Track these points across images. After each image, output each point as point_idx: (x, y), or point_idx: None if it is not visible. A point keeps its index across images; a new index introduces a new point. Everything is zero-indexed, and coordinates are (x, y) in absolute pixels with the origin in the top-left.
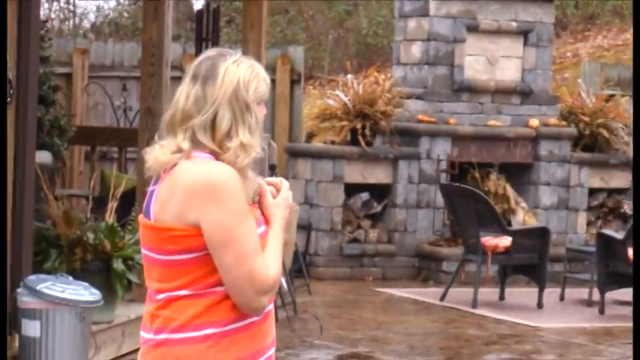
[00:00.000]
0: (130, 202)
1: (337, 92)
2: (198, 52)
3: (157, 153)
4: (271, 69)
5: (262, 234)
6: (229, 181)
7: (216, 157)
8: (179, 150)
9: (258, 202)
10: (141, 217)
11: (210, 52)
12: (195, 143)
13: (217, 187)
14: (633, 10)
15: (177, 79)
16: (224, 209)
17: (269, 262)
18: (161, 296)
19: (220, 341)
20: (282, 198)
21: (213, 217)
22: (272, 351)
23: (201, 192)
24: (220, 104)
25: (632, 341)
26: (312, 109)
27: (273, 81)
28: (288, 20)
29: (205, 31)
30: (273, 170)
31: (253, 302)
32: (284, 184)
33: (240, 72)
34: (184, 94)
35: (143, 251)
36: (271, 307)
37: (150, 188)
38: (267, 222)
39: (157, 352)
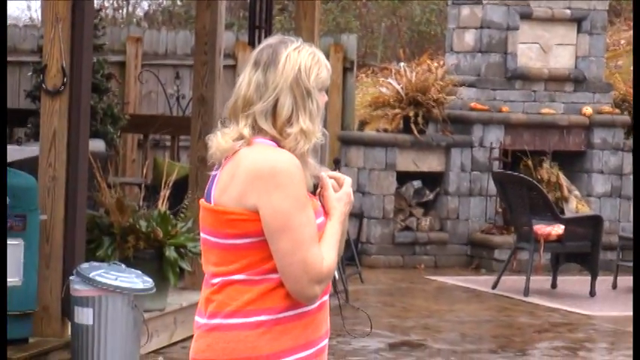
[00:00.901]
0: (183, 190)
1: (390, 80)
2: (251, 40)
3: (219, 140)
4: (325, 56)
5: (320, 225)
6: (290, 168)
7: (278, 143)
8: (240, 137)
9: (319, 194)
10: (202, 201)
11: (271, 39)
12: (257, 130)
13: (278, 172)
14: (633, 10)
15: (230, 68)
16: (284, 195)
17: (325, 253)
18: (216, 280)
19: (272, 329)
20: (344, 193)
21: (272, 203)
22: (325, 342)
23: (262, 177)
24: (281, 90)
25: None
26: (364, 97)
27: None
28: (341, 8)
29: (258, 19)
30: (337, 164)
31: (306, 290)
32: (347, 180)
33: (302, 58)
34: (246, 80)
35: (202, 235)
36: (326, 298)
37: (212, 173)
38: (326, 214)
39: (209, 336)
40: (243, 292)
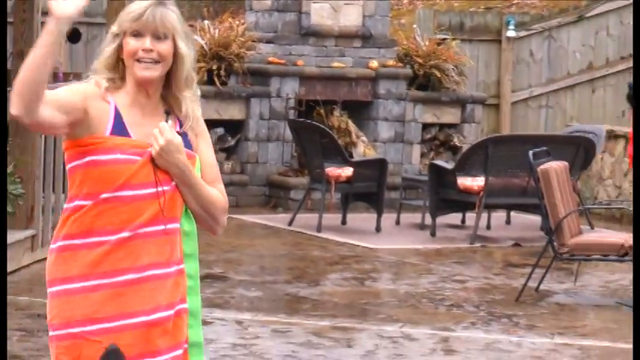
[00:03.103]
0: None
1: (195, 36)
2: None
3: None
4: None
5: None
6: None
7: None
8: None
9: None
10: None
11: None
12: None
13: None
14: (633, 10)
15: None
16: None
17: None
18: None
19: (61, 254)
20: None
21: None
22: (144, 273)
23: None
24: None
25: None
26: None
27: None
28: None
29: None
30: (168, 114)
31: None
32: (161, 131)
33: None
34: None
35: None
36: (126, 234)
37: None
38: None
39: (49, 257)
40: (62, 219)
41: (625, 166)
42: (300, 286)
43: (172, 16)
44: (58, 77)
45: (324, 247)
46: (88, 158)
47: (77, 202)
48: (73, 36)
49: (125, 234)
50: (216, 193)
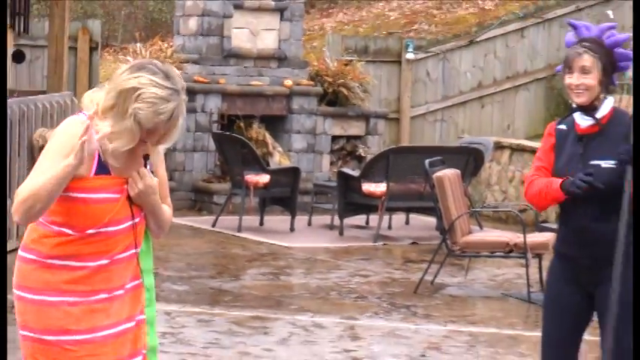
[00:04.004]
0: None
1: (128, 58)
2: (12, 24)
3: None
4: (74, 38)
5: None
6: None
7: None
8: None
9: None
10: None
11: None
12: None
13: None
14: (633, 10)
15: None
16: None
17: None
18: None
19: (40, 268)
20: (143, 187)
21: None
22: (98, 296)
23: None
24: None
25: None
26: (107, 71)
27: (74, 49)
28: None
29: (18, 7)
30: (146, 159)
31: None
32: (142, 176)
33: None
34: None
35: None
36: (103, 262)
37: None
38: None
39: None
40: (38, 233)
41: (509, 173)
42: (222, 280)
43: (184, 109)
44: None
45: (243, 246)
46: (74, 194)
47: (62, 229)
48: (18, 57)
49: (104, 261)
50: (168, 211)
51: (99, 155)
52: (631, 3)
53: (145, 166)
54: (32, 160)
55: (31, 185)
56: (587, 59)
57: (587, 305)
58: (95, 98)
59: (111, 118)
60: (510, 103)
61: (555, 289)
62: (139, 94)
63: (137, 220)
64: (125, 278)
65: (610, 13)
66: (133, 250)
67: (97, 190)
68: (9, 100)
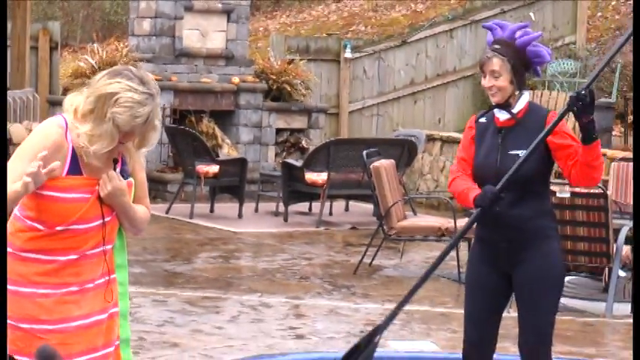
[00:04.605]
0: None
1: (86, 57)
2: None
3: None
4: (35, 39)
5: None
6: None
7: None
8: None
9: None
10: None
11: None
12: None
13: None
14: (633, 11)
15: None
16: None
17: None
18: None
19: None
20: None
21: None
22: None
23: None
24: None
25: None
26: (67, 69)
27: (36, 48)
28: (48, 2)
29: None
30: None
31: None
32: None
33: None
34: None
35: None
36: (71, 257)
37: None
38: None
39: None
40: (15, 227)
41: (440, 163)
42: (175, 263)
43: (159, 113)
44: None
45: (195, 231)
46: (46, 192)
47: (34, 224)
48: None
49: (73, 256)
50: (143, 210)
51: (72, 156)
52: (551, 5)
53: (114, 170)
54: None
55: None
56: (495, 63)
57: (505, 285)
58: (75, 102)
59: (90, 122)
60: (441, 98)
61: (475, 270)
62: (117, 99)
63: (108, 219)
64: (95, 273)
65: (532, 15)
66: (102, 248)
67: (67, 189)
68: None
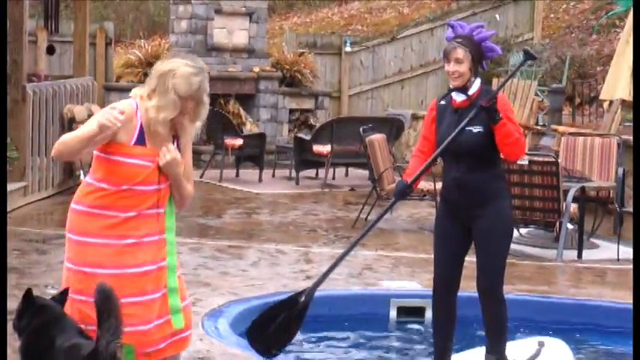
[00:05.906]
0: None
1: (135, 51)
2: (46, 24)
3: None
4: (93, 36)
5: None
6: None
7: None
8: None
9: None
10: None
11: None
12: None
13: None
14: (633, 12)
15: (32, 43)
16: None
17: None
18: None
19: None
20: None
21: None
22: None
23: None
24: None
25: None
26: (119, 61)
27: (94, 44)
28: (104, 5)
29: (50, 11)
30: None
31: None
32: (168, 151)
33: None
34: None
35: None
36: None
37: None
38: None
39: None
40: (86, 190)
41: None
42: (207, 218)
43: (207, 86)
44: (40, 77)
45: (223, 192)
46: (115, 157)
47: (102, 185)
48: (50, 50)
49: (132, 213)
50: (190, 188)
51: (139, 130)
52: (513, 8)
53: (173, 144)
54: (62, 127)
55: (68, 136)
56: (459, 52)
57: (466, 235)
58: (139, 92)
59: (156, 96)
60: (423, 84)
61: (441, 224)
62: (175, 73)
63: (162, 186)
64: (149, 230)
65: (497, 16)
66: (156, 210)
67: (133, 156)
68: (45, 83)
